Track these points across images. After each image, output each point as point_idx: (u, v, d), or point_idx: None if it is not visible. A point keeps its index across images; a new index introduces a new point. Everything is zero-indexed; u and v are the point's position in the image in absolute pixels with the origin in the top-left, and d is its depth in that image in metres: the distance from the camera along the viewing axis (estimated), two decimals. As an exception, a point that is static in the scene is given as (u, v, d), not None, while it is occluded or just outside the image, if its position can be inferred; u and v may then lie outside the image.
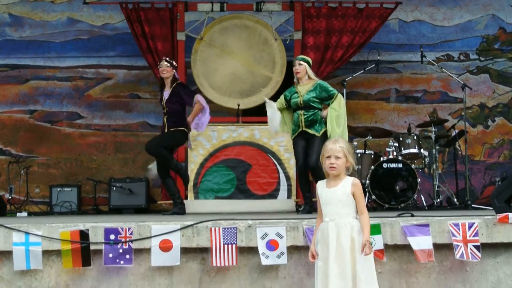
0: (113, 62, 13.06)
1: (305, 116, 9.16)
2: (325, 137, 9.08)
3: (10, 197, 12.17)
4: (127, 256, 6.83)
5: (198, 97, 9.84)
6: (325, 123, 9.14)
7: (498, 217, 6.91)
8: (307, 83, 9.28)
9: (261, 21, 12.03)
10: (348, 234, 5.81)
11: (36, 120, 12.99)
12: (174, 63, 10.03)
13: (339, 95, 9.22)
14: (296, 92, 9.28)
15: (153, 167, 10.06)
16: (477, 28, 13.13)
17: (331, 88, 9.24)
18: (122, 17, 12.41)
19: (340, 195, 5.90)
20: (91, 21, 13.09)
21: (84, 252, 6.83)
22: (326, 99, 9.19)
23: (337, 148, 5.88)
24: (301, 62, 9.27)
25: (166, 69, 9.80)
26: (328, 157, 5.90)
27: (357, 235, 5.82)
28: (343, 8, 12.10)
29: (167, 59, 9.97)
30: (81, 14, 13.08)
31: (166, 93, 9.85)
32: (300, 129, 9.20)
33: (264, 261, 6.79)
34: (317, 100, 9.18)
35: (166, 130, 9.81)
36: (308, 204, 9.37)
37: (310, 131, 9.15)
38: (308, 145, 9.18)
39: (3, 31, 13.07)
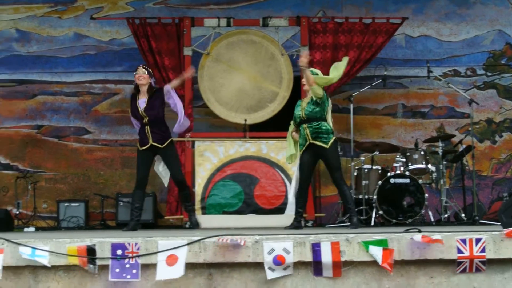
0: (120, 77, 13.06)
1: (310, 129, 9.06)
2: (335, 148, 9.08)
3: (17, 212, 12.19)
4: (134, 271, 6.81)
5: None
6: (332, 133, 9.09)
7: (505, 231, 6.89)
8: (309, 96, 9.23)
9: (267, 37, 12.05)
10: None
11: (43, 135, 13.00)
12: (151, 71, 9.75)
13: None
14: (299, 106, 9.26)
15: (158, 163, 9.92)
16: (483, 43, 13.12)
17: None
18: (129, 33, 12.45)
19: None
20: (98, 36, 13.12)
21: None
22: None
23: None
24: None
25: (143, 75, 9.44)
26: None
27: None
28: (349, 24, 12.10)
29: (145, 65, 9.68)
30: (88, 29, 13.12)
31: (142, 101, 9.48)
32: (308, 143, 9.08)
33: (271, 275, 6.76)
34: (318, 108, 9.07)
35: (151, 142, 9.44)
36: (296, 220, 9.28)
37: (318, 142, 9.03)
38: (324, 161, 9.20)
39: (10, 47, 13.11)
